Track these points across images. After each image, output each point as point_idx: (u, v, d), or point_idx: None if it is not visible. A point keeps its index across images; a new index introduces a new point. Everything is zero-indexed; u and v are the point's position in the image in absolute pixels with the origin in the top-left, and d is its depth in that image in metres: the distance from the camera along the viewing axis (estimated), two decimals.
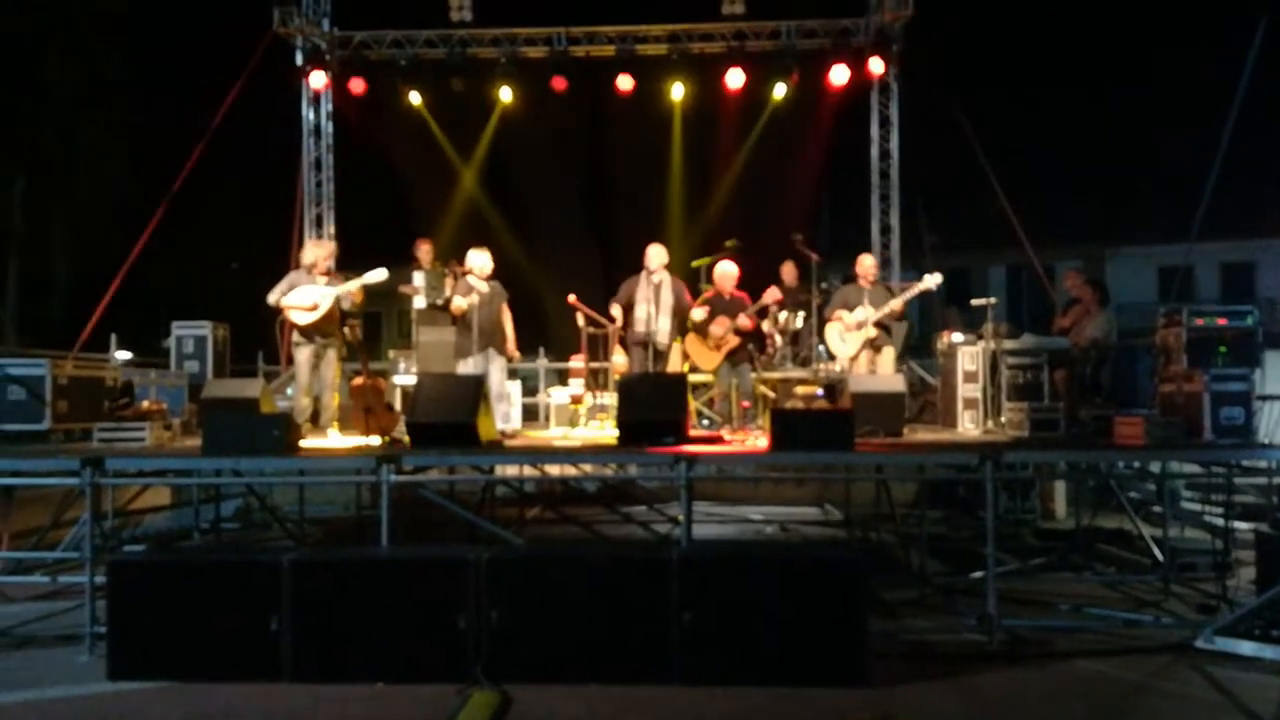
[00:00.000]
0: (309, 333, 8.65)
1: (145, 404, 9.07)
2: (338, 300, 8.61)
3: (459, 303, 8.98)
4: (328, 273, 8.73)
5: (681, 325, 9.59)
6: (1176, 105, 24.67)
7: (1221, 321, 7.23)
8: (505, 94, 13.96)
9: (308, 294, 8.56)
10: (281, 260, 12.71)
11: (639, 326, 9.32)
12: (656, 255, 9.45)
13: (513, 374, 10.11)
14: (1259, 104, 8.79)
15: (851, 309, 9.60)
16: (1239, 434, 6.95)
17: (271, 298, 8.61)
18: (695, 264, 10.70)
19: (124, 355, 11.18)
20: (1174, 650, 6.16)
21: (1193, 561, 7.80)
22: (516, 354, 9.43)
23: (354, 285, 8.57)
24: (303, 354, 8.69)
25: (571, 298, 9.89)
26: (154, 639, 5.76)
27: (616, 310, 9.45)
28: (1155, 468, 8.53)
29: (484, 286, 9.08)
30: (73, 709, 5.43)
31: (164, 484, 9.61)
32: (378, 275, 8.54)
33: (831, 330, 9.76)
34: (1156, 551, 7.99)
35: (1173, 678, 5.73)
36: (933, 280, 9.46)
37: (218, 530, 9.77)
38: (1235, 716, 5.16)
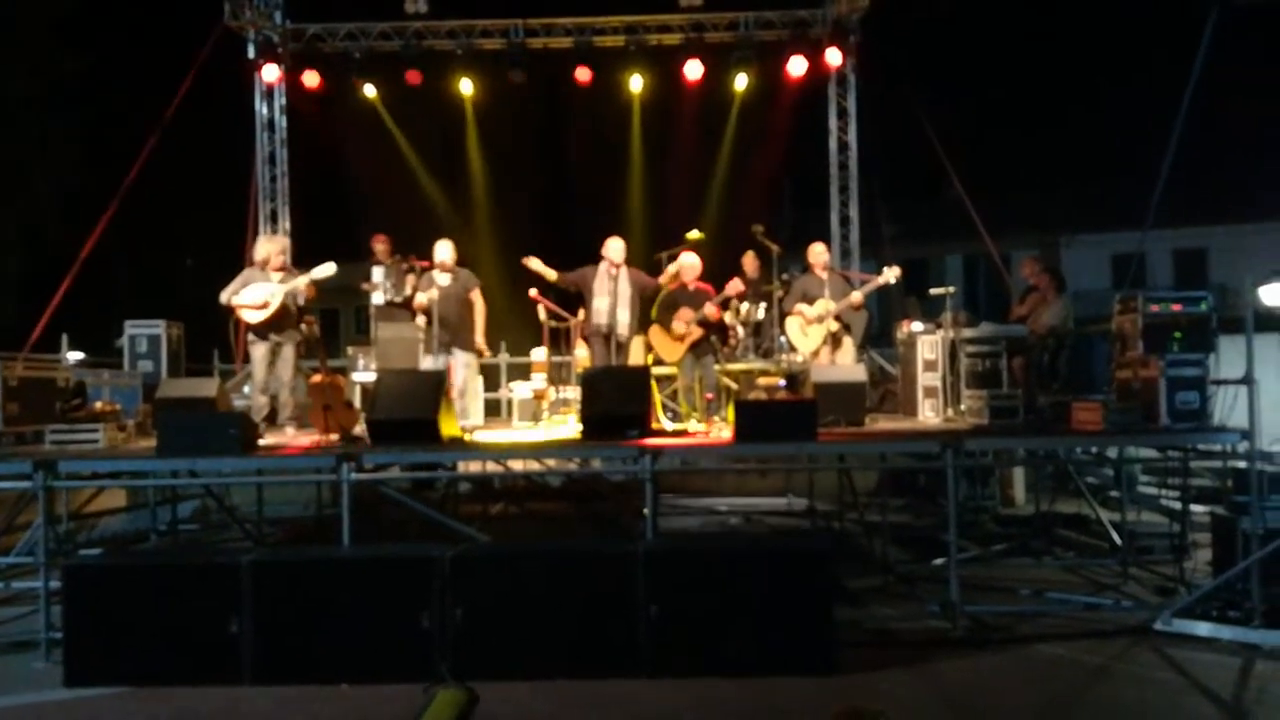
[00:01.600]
0: (262, 330, 8.51)
1: (98, 405, 8.89)
2: (290, 296, 8.49)
3: (419, 299, 8.90)
4: (282, 268, 8.61)
5: (643, 317, 9.55)
6: (1130, 94, 25.02)
7: (1176, 307, 7.32)
8: (466, 86, 13.88)
9: (258, 292, 8.42)
10: (236, 257, 12.52)
11: (599, 319, 9.22)
12: (615, 248, 9.35)
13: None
14: (1211, 93, 8.91)
15: (811, 301, 9.61)
16: (1194, 418, 7.03)
17: (224, 297, 8.45)
18: (658, 256, 10.68)
19: (76, 355, 10.97)
20: (1133, 633, 6.26)
21: (1150, 545, 7.92)
22: (485, 349, 9.33)
23: (302, 281, 8.45)
24: (258, 352, 8.56)
25: (533, 292, 9.83)
26: (111, 644, 5.66)
27: (551, 274, 9.31)
28: (1113, 453, 8.63)
29: (445, 279, 8.99)
30: (30, 717, 5.32)
31: (119, 486, 9.44)
32: (326, 270, 8.42)
33: (792, 324, 9.76)
34: (1115, 536, 8.10)
35: (1133, 660, 5.81)
36: (891, 274, 9.51)
37: (175, 532, 9.63)
38: (1195, 697, 5.23)
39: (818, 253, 9.88)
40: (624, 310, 9.22)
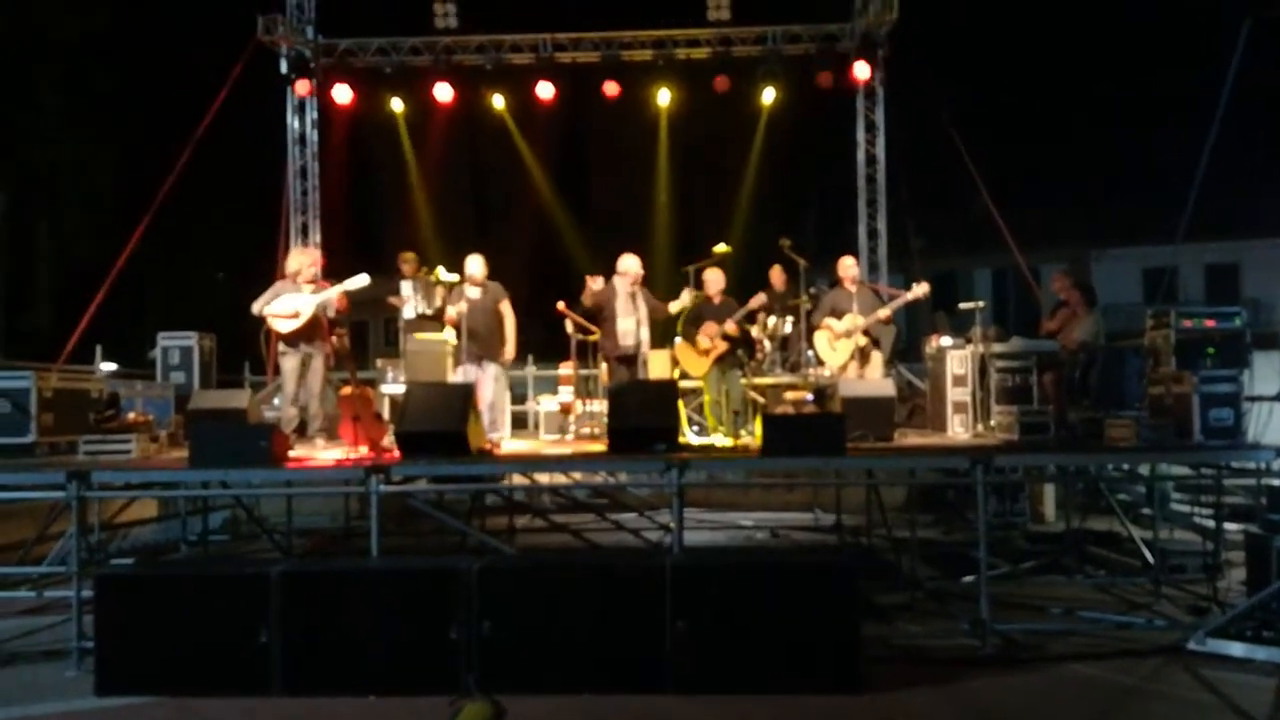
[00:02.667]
0: (293, 341, 8.58)
1: (131, 416, 8.99)
2: (321, 308, 8.55)
3: (450, 312, 8.96)
4: (313, 280, 8.68)
5: (666, 330, 9.52)
6: (1161, 107, 24.85)
7: (1210, 323, 7.25)
8: (498, 101, 13.98)
9: (290, 302, 8.49)
10: (268, 270, 12.66)
11: (626, 340, 9.06)
12: (635, 264, 9.21)
13: None
14: (1243, 106, 8.82)
15: (840, 315, 9.59)
16: (1228, 435, 6.97)
17: (255, 307, 8.53)
18: (685, 269, 10.69)
19: (109, 367, 11.09)
20: (1166, 652, 6.16)
21: (1183, 563, 7.80)
22: (508, 359, 9.33)
23: (335, 292, 8.51)
24: (288, 363, 8.63)
25: (560, 305, 9.85)
26: (142, 653, 5.70)
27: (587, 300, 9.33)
28: (1145, 470, 8.53)
29: (475, 293, 9.04)
30: None
31: (151, 496, 9.52)
32: (359, 281, 8.47)
33: (820, 338, 9.74)
34: (1147, 553, 7.99)
35: (1166, 680, 5.73)
36: (921, 290, 9.45)
37: (205, 543, 9.70)
38: (1229, 718, 5.16)
39: (847, 266, 9.85)
40: (645, 329, 9.18)
